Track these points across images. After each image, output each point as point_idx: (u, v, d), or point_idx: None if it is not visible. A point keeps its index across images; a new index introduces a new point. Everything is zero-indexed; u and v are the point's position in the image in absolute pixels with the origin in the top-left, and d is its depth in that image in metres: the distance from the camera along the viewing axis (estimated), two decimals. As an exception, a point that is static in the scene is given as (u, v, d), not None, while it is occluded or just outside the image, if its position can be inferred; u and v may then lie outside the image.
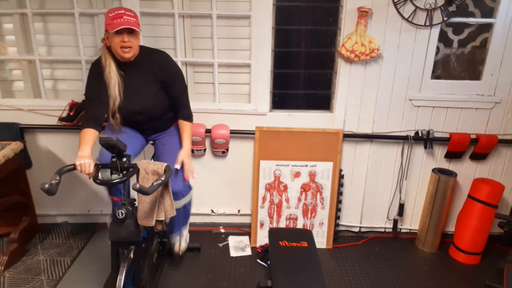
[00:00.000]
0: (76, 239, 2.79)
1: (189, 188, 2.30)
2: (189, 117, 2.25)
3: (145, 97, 2.09)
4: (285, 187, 2.74)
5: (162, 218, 1.97)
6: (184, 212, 2.41)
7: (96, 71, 2.02)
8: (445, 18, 2.40)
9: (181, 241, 2.50)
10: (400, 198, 2.83)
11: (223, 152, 2.74)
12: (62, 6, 2.49)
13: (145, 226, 1.93)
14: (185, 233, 2.52)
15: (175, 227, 2.47)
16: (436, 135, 2.66)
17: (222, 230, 2.97)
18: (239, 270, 2.53)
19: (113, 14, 1.89)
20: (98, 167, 1.84)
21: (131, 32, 1.92)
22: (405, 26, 2.43)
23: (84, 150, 1.87)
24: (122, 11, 1.90)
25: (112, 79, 2.00)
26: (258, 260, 2.63)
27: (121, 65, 2.04)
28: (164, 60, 2.11)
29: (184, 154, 2.18)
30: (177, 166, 2.12)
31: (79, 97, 2.65)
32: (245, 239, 2.86)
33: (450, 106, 2.61)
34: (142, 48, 2.08)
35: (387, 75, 2.54)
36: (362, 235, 2.97)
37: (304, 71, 2.67)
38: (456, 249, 2.72)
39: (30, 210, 2.78)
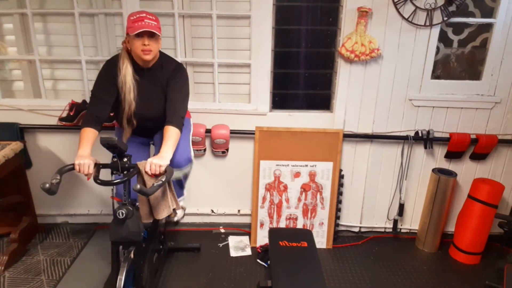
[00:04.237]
0: (76, 239, 2.79)
1: (188, 160, 2.19)
2: (177, 124, 1.98)
3: (156, 105, 2.08)
4: (285, 187, 2.74)
5: (163, 216, 1.97)
6: (179, 182, 2.31)
7: (110, 71, 2.00)
8: (445, 18, 2.40)
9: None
10: (400, 198, 2.83)
11: (223, 152, 2.74)
12: (62, 6, 2.49)
13: (146, 226, 1.94)
14: (181, 203, 2.41)
15: None
16: (436, 135, 2.66)
17: (222, 230, 2.97)
18: (239, 270, 2.53)
19: (135, 17, 1.89)
20: (99, 167, 1.84)
21: (151, 35, 1.91)
22: (405, 26, 2.43)
23: (84, 149, 1.86)
24: (144, 15, 1.90)
25: (127, 83, 1.98)
26: (258, 260, 2.63)
27: (137, 70, 2.03)
28: (177, 68, 2.08)
29: (156, 156, 1.87)
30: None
31: (79, 97, 2.65)
32: (245, 239, 2.86)
33: (450, 106, 2.61)
34: (161, 55, 2.07)
35: (387, 75, 2.54)
36: (362, 235, 2.97)
37: (304, 71, 2.67)
38: (456, 249, 2.72)
39: (30, 210, 2.78)
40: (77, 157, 1.81)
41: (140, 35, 1.89)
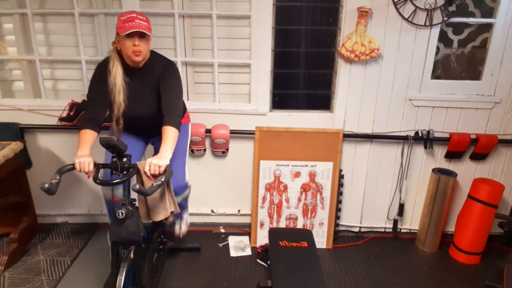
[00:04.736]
0: (76, 239, 2.79)
1: (185, 187, 2.25)
2: (174, 123, 1.97)
3: (146, 105, 2.08)
4: (285, 187, 2.74)
5: (160, 219, 1.97)
6: (182, 201, 2.37)
7: (101, 73, 2.00)
8: (445, 18, 2.40)
9: (182, 225, 2.48)
10: (400, 198, 2.83)
11: (223, 152, 2.74)
12: (62, 6, 2.49)
13: (145, 226, 1.94)
14: (185, 216, 2.50)
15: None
16: (436, 135, 2.66)
17: (222, 230, 2.97)
18: (239, 270, 2.53)
19: (125, 17, 1.88)
20: (98, 167, 1.84)
21: (142, 36, 1.91)
22: (405, 26, 2.43)
23: (83, 149, 1.87)
24: (134, 15, 1.89)
25: (116, 86, 1.98)
26: (258, 260, 2.63)
27: (128, 70, 2.02)
28: (168, 66, 2.07)
29: (155, 157, 1.87)
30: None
31: (79, 97, 2.65)
32: (245, 239, 2.86)
33: (450, 106, 2.61)
34: (152, 54, 2.07)
35: (387, 75, 2.54)
36: (362, 235, 2.97)
37: (304, 71, 2.67)
38: (456, 249, 2.72)
39: (30, 210, 2.78)
40: (76, 157, 1.82)
41: (130, 35, 1.88)
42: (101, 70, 2.01)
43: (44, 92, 2.66)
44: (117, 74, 1.97)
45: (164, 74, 2.04)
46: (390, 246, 2.85)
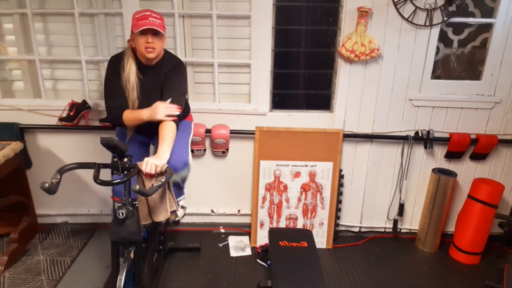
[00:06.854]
0: (76, 239, 2.79)
1: (184, 165, 2.17)
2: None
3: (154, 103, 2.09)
4: (285, 187, 2.74)
5: (161, 219, 1.97)
6: (177, 184, 2.34)
7: (115, 68, 2.04)
8: (445, 18, 2.41)
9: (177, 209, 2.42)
10: (400, 198, 2.83)
11: (223, 152, 2.74)
12: (62, 6, 2.49)
13: (146, 226, 1.94)
14: (181, 202, 2.43)
15: None
16: (436, 135, 2.66)
17: (222, 230, 2.97)
18: (239, 270, 2.53)
19: (139, 15, 1.93)
20: (99, 167, 1.84)
21: (155, 33, 1.95)
22: (405, 26, 2.43)
23: (145, 110, 2.00)
24: (148, 13, 1.94)
25: (130, 82, 2.02)
26: (258, 260, 2.63)
27: (141, 68, 2.05)
28: (176, 65, 2.11)
29: (154, 156, 1.87)
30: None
31: (79, 97, 2.65)
32: (245, 239, 2.86)
33: (450, 106, 2.61)
34: (165, 53, 2.11)
35: (387, 75, 2.55)
36: (362, 235, 2.97)
37: (304, 71, 2.67)
38: (456, 249, 2.72)
39: (30, 210, 2.78)
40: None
41: (144, 32, 1.92)
42: (115, 65, 2.05)
43: (44, 92, 2.66)
44: (131, 71, 2.01)
45: (171, 72, 2.08)
46: (390, 246, 2.85)
